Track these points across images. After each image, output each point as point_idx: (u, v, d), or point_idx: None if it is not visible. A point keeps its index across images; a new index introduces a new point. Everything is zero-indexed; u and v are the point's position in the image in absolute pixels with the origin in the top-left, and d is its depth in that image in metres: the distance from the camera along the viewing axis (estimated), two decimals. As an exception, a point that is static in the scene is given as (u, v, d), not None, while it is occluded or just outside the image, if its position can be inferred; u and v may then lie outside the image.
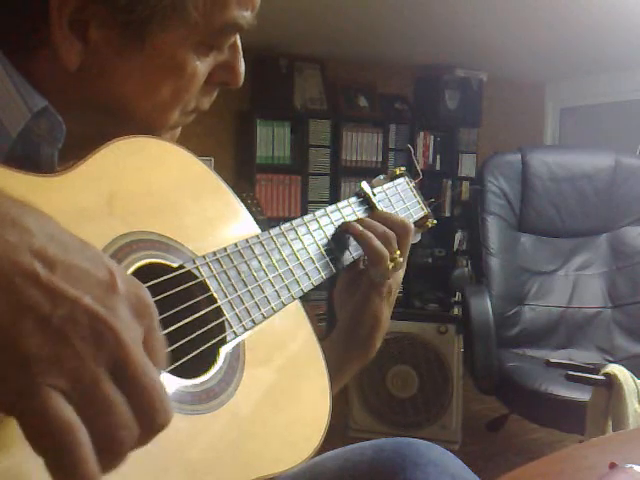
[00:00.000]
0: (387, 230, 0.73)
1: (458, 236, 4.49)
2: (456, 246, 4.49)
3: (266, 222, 0.73)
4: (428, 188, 4.16)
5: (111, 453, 0.34)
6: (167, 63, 0.56)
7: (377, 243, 0.72)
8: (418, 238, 0.89)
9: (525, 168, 2.79)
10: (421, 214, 0.87)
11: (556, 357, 2.39)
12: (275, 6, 2.71)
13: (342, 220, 0.75)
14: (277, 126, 3.93)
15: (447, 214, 4.45)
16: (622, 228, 2.81)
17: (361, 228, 0.73)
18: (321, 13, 3.20)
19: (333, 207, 0.75)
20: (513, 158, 2.81)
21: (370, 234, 0.72)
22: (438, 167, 4.46)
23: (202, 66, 0.59)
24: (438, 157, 4.45)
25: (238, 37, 0.62)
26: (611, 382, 1.70)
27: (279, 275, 0.64)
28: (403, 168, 0.88)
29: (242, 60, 0.63)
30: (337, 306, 0.81)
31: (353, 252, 0.75)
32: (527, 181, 2.79)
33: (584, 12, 3.02)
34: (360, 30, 3.50)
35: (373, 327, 0.78)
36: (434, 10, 3.09)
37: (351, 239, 0.74)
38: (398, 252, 0.74)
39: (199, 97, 0.62)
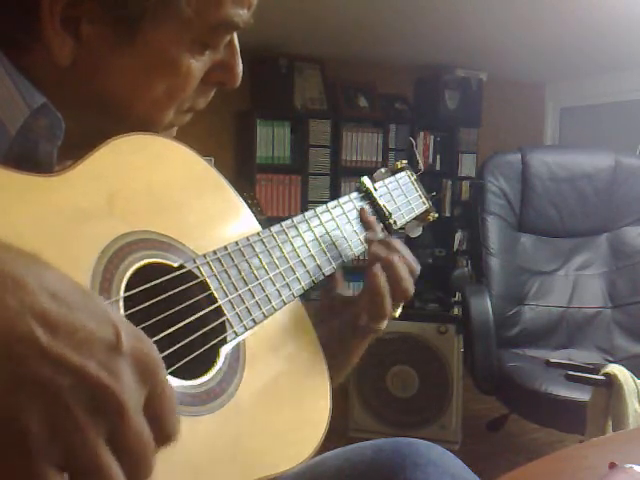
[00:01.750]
0: (409, 288, 0.68)
1: (458, 236, 4.49)
2: (456, 246, 4.49)
3: (266, 222, 0.73)
4: (428, 188, 4.15)
5: None
6: (160, 60, 0.56)
7: (386, 302, 0.67)
8: (419, 232, 0.89)
9: (525, 168, 2.79)
10: (423, 208, 0.87)
11: (556, 357, 2.38)
12: (275, 6, 2.70)
13: (343, 216, 0.74)
14: (277, 126, 3.93)
15: (447, 214, 4.45)
16: (622, 228, 2.81)
17: (379, 281, 0.67)
18: (321, 13, 3.19)
19: (334, 203, 0.74)
20: (513, 158, 2.81)
21: (385, 292, 0.67)
22: (438, 167, 4.45)
23: (197, 65, 0.58)
24: (438, 157, 4.45)
25: (235, 36, 0.61)
26: (611, 382, 1.70)
27: (280, 273, 0.63)
28: (405, 161, 0.87)
29: (240, 60, 0.62)
30: (317, 320, 0.74)
31: (354, 248, 0.74)
32: (527, 181, 2.78)
33: (584, 12, 3.02)
34: (360, 30, 3.49)
35: (343, 361, 0.74)
36: (434, 10, 3.09)
37: (352, 235, 0.73)
38: (400, 304, 0.71)
39: (195, 97, 0.61)
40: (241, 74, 0.63)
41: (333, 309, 0.74)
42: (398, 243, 0.71)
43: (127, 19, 0.53)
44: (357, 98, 4.19)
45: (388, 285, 0.67)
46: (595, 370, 1.79)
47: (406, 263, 0.70)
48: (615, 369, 1.73)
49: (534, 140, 4.73)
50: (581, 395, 2.00)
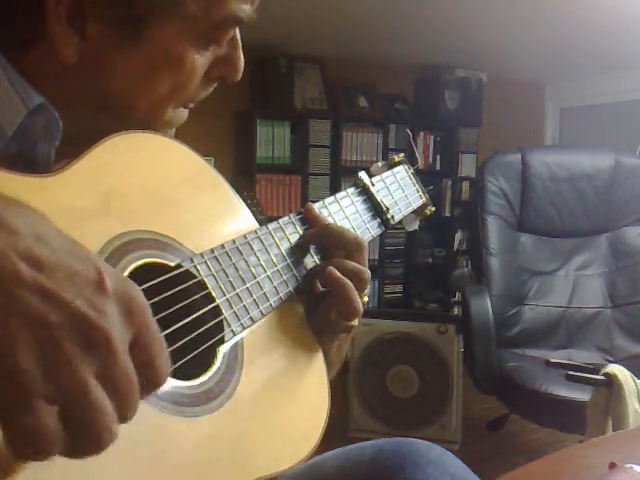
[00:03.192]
0: (361, 269, 0.64)
1: (458, 236, 4.49)
2: (456, 246, 4.49)
3: (266, 222, 0.73)
4: (426, 183, 4.15)
5: (86, 451, 0.35)
6: (165, 57, 0.56)
7: (355, 296, 0.62)
8: (416, 226, 0.88)
9: (525, 168, 2.79)
10: (420, 202, 0.87)
11: (556, 357, 2.38)
12: (275, 6, 2.70)
13: (341, 212, 0.73)
14: (277, 126, 3.93)
15: (447, 214, 4.45)
16: (622, 228, 2.81)
17: (338, 275, 0.62)
18: (321, 13, 3.19)
19: (331, 199, 0.73)
20: (513, 158, 2.81)
21: (348, 283, 0.62)
22: (438, 167, 4.45)
23: (201, 60, 0.58)
24: (438, 157, 4.45)
25: (237, 31, 0.61)
26: (611, 382, 1.70)
27: (277, 271, 0.63)
28: (402, 155, 0.87)
29: (241, 54, 0.62)
30: None
31: None
32: (527, 181, 2.78)
33: (584, 12, 3.02)
34: (360, 30, 3.49)
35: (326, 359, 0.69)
36: (434, 10, 3.09)
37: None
38: (366, 295, 0.67)
39: (195, 91, 0.61)
40: (242, 68, 0.63)
41: (307, 306, 0.69)
42: (329, 227, 0.67)
43: (133, 17, 0.53)
44: (357, 98, 4.19)
45: (346, 280, 0.63)
46: (595, 370, 1.79)
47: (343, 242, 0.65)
48: (615, 369, 1.73)
49: (534, 140, 4.73)
50: (581, 395, 2.00)
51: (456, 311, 4.28)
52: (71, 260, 0.35)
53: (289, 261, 0.65)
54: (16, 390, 0.31)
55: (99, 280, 0.35)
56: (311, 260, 0.67)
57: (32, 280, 0.33)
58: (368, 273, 0.64)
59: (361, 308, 0.63)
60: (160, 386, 0.38)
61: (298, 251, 0.66)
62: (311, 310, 0.66)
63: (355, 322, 0.66)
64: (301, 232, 0.67)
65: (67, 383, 0.33)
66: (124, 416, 0.36)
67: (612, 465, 0.75)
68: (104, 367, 0.34)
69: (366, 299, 0.67)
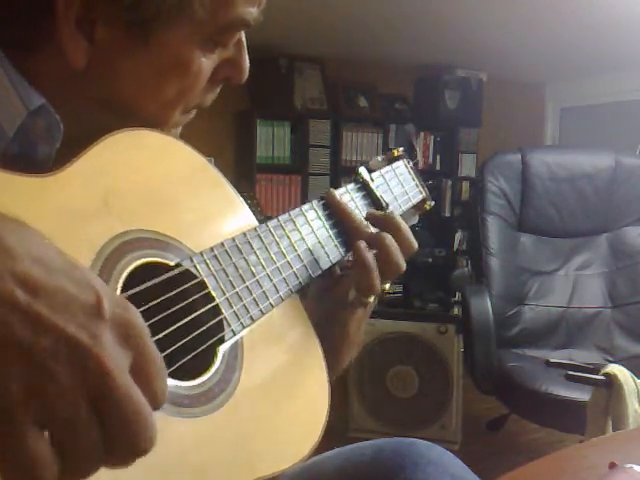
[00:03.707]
0: (400, 262, 0.68)
1: (458, 236, 4.49)
2: (456, 246, 4.49)
3: (265, 222, 0.73)
4: (428, 188, 4.16)
5: (78, 478, 0.34)
6: (172, 61, 0.56)
7: (375, 275, 0.66)
8: (415, 220, 0.88)
9: (525, 168, 2.79)
10: (419, 197, 0.87)
11: (556, 357, 2.38)
12: (275, 6, 2.70)
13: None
14: (277, 126, 3.93)
15: (447, 214, 4.45)
16: (622, 228, 2.81)
17: (365, 255, 0.66)
18: (321, 13, 3.19)
19: (342, 189, 0.74)
20: (513, 158, 2.81)
21: (373, 266, 0.66)
22: (438, 167, 4.45)
23: (207, 63, 0.58)
24: (438, 157, 4.45)
25: (243, 33, 0.62)
26: (611, 382, 1.70)
27: (277, 268, 0.63)
28: (401, 149, 0.86)
29: (247, 56, 0.62)
30: (311, 305, 0.74)
31: (352, 240, 0.73)
32: (527, 181, 2.78)
33: (584, 12, 3.02)
34: (360, 30, 3.49)
35: (341, 339, 0.73)
36: (434, 10, 3.09)
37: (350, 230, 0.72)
38: (388, 283, 0.70)
39: (202, 94, 0.61)
40: (248, 70, 0.63)
41: (326, 286, 0.73)
42: (394, 219, 0.70)
43: (142, 21, 0.53)
44: (357, 98, 4.19)
45: (376, 260, 0.66)
46: (595, 370, 1.79)
47: (400, 239, 0.69)
48: (615, 369, 1.73)
49: (534, 140, 4.73)
50: (581, 395, 2.00)
51: (456, 311, 4.28)
52: (69, 284, 0.34)
53: (290, 257, 0.65)
54: (4, 415, 0.31)
55: (96, 304, 0.35)
56: (332, 244, 0.70)
57: (26, 306, 0.32)
58: (401, 266, 0.68)
59: (379, 286, 0.66)
60: (157, 409, 0.37)
61: (325, 235, 0.69)
62: (328, 289, 0.71)
63: (371, 299, 0.69)
64: (300, 230, 0.67)
65: (56, 408, 0.32)
66: (141, 437, 0.35)
67: (612, 465, 0.75)
68: (101, 393, 0.33)
69: (387, 286, 0.70)
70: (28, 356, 0.32)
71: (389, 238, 0.68)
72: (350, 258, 0.70)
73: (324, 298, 0.73)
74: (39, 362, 0.32)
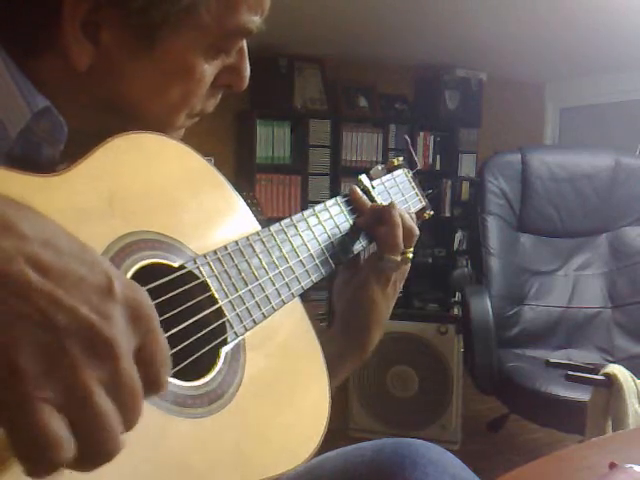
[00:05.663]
0: (413, 225, 0.76)
1: (458, 236, 4.49)
2: (456, 246, 4.49)
3: (265, 222, 0.74)
4: (426, 187, 4.16)
5: (95, 462, 0.35)
6: (177, 66, 0.57)
7: (400, 233, 0.74)
8: None
9: (525, 168, 2.79)
10: (419, 206, 0.88)
11: (556, 357, 2.39)
12: (275, 6, 2.70)
13: (342, 214, 0.75)
14: (277, 126, 3.93)
15: (447, 214, 4.45)
16: (622, 228, 2.81)
17: (394, 212, 0.74)
18: (321, 13, 3.19)
19: (332, 201, 0.75)
20: (513, 158, 2.81)
21: (399, 222, 0.74)
22: (438, 167, 4.45)
23: (210, 69, 0.59)
24: (438, 157, 4.45)
25: (245, 42, 0.63)
26: (611, 382, 1.70)
27: (280, 273, 0.64)
28: (401, 159, 0.88)
29: (248, 64, 0.64)
30: (335, 296, 0.81)
31: (355, 246, 0.75)
32: (527, 181, 2.78)
33: (584, 12, 3.02)
34: (360, 30, 3.50)
35: (370, 311, 0.77)
36: (434, 10, 3.09)
37: (351, 232, 0.75)
38: (411, 249, 0.76)
39: (204, 100, 0.62)
40: (248, 77, 0.64)
41: (351, 274, 0.79)
42: (396, 206, 0.77)
43: (149, 26, 0.54)
44: (357, 98, 4.19)
45: (399, 219, 0.74)
46: (595, 370, 1.79)
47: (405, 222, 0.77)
48: (615, 369, 1.73)
49: (534, 140, 4.73)
50: (581, 395, 2.00)
51: (456, 311, 4.29)
52: (79, 265, 0.35)
53: (292, 262, 0.66)
54: (16, 391, 0.32)
55: (107, 286, 0.35)
56: (350, 251, 0.75)
57: (39, 285, 0.33)
58: (415, 229, 0.77)
59: (401, 244, 0.74)
60: (159, 393, 0.38)
61: (348, 229, 0.75)
62: (353, 275, 0.78)
63: (398, 258, 0.75)
64: (302, 235, 0.69)
65: (70, 387, 0.33)
66: (128, 423, 0.36)
67: (612, 465, 0.75)
68: (108, 373, 0.34)
69: (410, 255, 0.77)
70: (42, 332, 0.32)
71: (400, 208, 0.76)
72: (372, 250, 0.78)
73: (349, 285, 0.78)
74: (54, 338, 0.32)
